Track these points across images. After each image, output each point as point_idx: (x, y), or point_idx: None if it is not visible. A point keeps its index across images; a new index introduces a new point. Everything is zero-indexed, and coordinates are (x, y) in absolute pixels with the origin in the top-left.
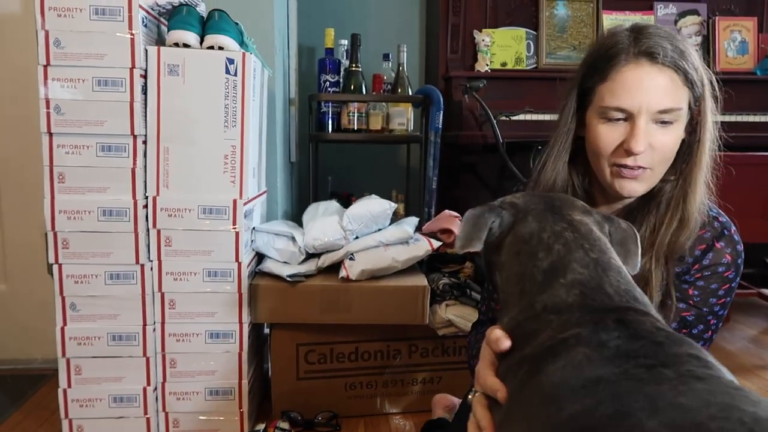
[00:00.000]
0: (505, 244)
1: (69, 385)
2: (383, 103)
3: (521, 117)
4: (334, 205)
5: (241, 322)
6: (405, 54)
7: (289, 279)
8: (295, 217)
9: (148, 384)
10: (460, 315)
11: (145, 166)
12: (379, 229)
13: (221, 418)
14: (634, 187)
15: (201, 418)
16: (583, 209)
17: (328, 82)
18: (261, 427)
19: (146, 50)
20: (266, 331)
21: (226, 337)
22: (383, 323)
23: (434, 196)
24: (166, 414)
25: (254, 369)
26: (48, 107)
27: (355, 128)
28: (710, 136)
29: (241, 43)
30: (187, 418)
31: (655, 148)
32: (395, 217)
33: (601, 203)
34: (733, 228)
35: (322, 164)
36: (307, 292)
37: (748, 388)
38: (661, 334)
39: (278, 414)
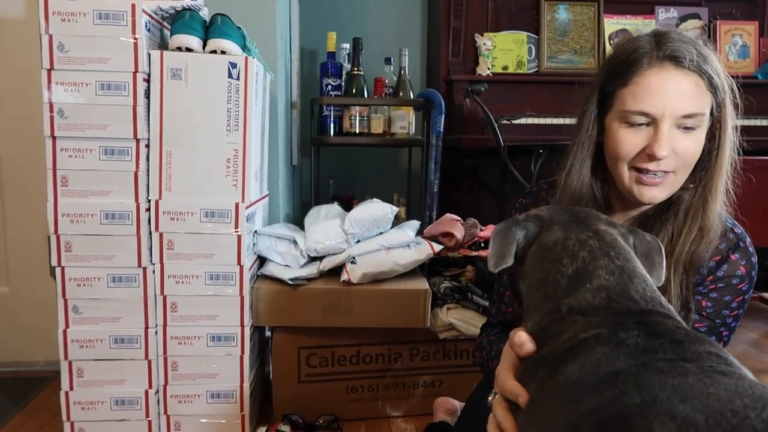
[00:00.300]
0: (529, 254)
1: (71, 388)
2: (385, 107)
3: (522, 120)
4: (335, 208)
5: (242, 325)
6: (406, 57)
7: (290, 282)
8: (297, 220)
9: (150, 387)
10: (461, 318)
11: (148, 170)
12: (381, 233)
13: (223, 421)
14: (655, 194)
15: (202, 421)
16: (608, 222)
17: (330, 86)
18: (262, 430)
19: (149, 54)
20: (268, 334)
21: (228, 340)
22: (385, 326)
23: (435, 199)
24: (168, 417)
25: (256, 372)
26: (51, 111)
27: (357, 132)
28: (730, 143)
29: (244, 47)
30: (188, 421)
31: (677, 153)
32: (397, 221)
33: (618, 210)
34: (748, 240)
35: (323, 168)
36: (308, 295)
37: None
38: (681, 333)
39: (279, 417)
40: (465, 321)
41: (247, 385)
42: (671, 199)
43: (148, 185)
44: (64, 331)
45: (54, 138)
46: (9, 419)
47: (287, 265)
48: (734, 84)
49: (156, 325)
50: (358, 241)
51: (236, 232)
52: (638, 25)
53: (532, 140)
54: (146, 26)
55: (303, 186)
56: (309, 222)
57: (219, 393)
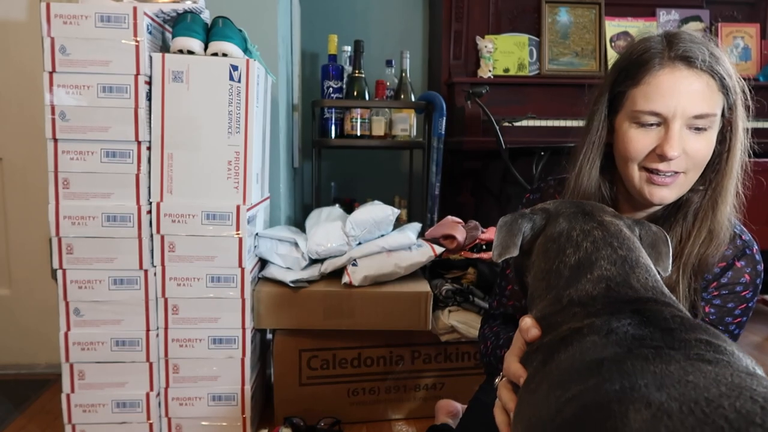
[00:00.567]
0: (535, 246)
1: (72, 390)
2: (386, 109)
3: (524, 123)
4: (337, 210)
5: (243, 328)
6: (408, 60)
7: (292, 285)
8: (299, 223)
9: (151, 389)
10: (463, 321)
11: (149, 172)
12: (382, 235)
13: (224, 423)
14: (665, 195)
15: (203, 423)
16: (614, 214)
17: (331, 88)
18: None
19: (151, 57)
20: (269, 336)
21: (229, 343)
22: (386, 329)
23: (437, 201)
24: (169, 419)
25: (257, 375)
26: (53, 113)
27: (358, 134)
28: (741, 145)
29: (245, 50)
30: (189, 423)
31: (689, 154)
32: (398, 223)
33: (626, 212)
34: (756, 247)
35: (325, 170)
36: (309, 297)
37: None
38: (676, 321)
39: (281, 420)
40: (466, 323)
41: (248, 387)
42: (680, 201)
43: (149, 187)
44: (66, 334)
45: (56, 140)
46: (10, 422)
47: (288, 268)
48: (746, 86)
49: (157, 328)
50: (360, 244)
51: (237, 234)
52: (639, 27)
53: (533, 142)
54: (148, 29)
55: (304, 188)
56: (310, 224)
57: (220, 395)
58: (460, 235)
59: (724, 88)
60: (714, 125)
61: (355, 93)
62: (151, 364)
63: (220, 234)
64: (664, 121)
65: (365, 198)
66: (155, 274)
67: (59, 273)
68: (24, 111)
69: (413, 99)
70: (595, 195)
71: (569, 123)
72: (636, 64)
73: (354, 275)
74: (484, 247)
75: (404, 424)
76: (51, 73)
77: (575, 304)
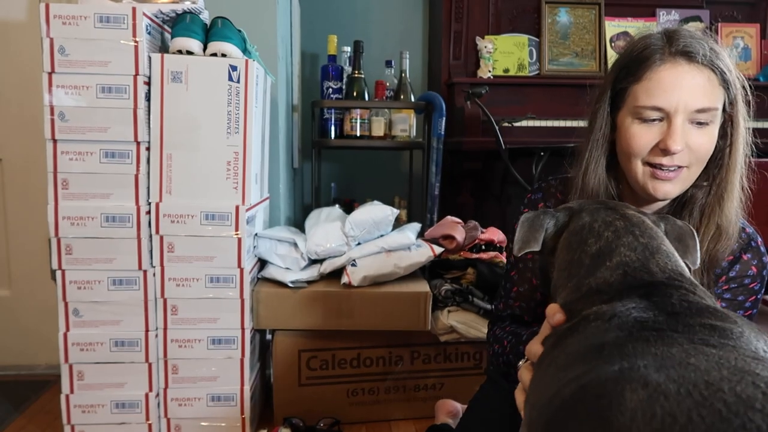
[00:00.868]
0: (559, 242)
1: (71, 391)
2: (386, 110)
3: (523, 123)
4: (336, 211)
5: (243, 328)
6: (407, 60)
7: (291, 285)
8: (299, 223)
9: (150, 390)
10: (462, 321)
11: (149, 173)
12: (382, 235)
13: (223, 424)
14: (668, 189)
15: (203, 424)
16: (637, 209)
17: (330, 89)
18: None
19: (150, 57)
20: (268, 337)
21: (228, 343)
22: (385, 329)
23: (436, 202)
24: (168, 420)
25: (256, 375)
26: (52, 114)
27: (358, 134)
28: (743, 140)
29: (244, 51)
30: (188, 424)
31: (691, 148)
32: (398, 223)
33: None
34: (760, 239)
35: (324, 170)
36: (309, 298)
37: None
38: (683, 306)
39: (280, 420)
40: (466, 323)
41: (247, 388)
42: (685, 198)
43: (148, 188)
44: (65, 334)
45: (55, 141)
46: (10, 422)
47: (288, 268)
48: (746, 82)
49: (156, 328)
50: (359, 244)
51: (236, 234)
52: (639, 27)
53: (533, 143)
54: (147, 29)
55: (304, 189)
56: (309, 225)
57: (219, 396)
58: (460, 235)
59: (725, 83)
60: (716, 120)
61: (355, 93)
62: (150, 365)
63: (219, 234)
64: (666, 116)
65: (365, 198)
66: (154, 274)
67: (58, 273)
68: (24, 111)
69: (413, 99)
70: (602, 193)
71: (569, 123)
72: (637, 60)
73: (353, 275)
74: (483, 247)
75: (403, 424)
76: (50, 74)
77: (594, 292)
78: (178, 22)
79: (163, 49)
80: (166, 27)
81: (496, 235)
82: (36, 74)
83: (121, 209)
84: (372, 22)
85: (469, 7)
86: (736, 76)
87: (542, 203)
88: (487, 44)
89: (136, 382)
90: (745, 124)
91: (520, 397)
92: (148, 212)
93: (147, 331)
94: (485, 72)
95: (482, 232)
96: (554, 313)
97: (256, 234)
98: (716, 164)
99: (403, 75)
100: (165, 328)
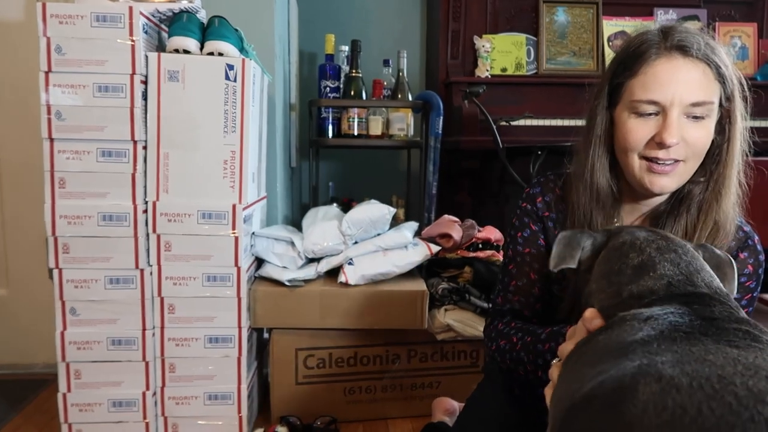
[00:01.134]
0: (597, 261)
1: (68, 390)
2: (383, 109)
3: (521, 122)
4: (333, 210)
5: (240, 327)
6: (405, 60)
7: (288, 284)
8: (296, 222)
9: (147, 388)
10: (459, 320)
11: (145, 172)
12: (379, 234)
13: (220, 422)
14: (665, 183)
15: (200, 422)
16: (677, 237)
17: (328, 88)
18: (260, 431)
19: (147, 56)
20: (265, 335)
21: (225, 342)
22: (382, 328)
23: (434, 201)
24: (165, 419)
25: (253, 374)
26: (49, 113)
27: (356, 133)
28: (740, 135)
29: (241, 50)
30: (186, 422)
31: (688, 142)
32: (395, 222)
33: (628, 203)
34: (756, 237)
35: (322, 169)
36: (306, 296)
37: None
38: (723, 314)
39: (277, 419)
40: (463, 322)
41: (244, 386)
42: (682, 194)
43: (145, 187)
44: (62, 333)
45: (51, 140)
46: (7, 421)
47: (285, 267)
48: (743, 78)
49: (153, 327)
50: (356, 243)
51: (233, 233)
52: (637, 26)
53: (530, 142)
54: (143, 29)
55: (302, 188)
56: (307, 223)
57: (216, 395)
58: (457, 233)
59: (721, 77)
60: (712, 114)
61: (352, 92)
62: (147, 364)
63: (216, 233)
64: (662, 110)
65: (363, 197)
66: (151, 273)
67: (55, 272)
68: (21, 110)
69: (410, 98)
70: (606, 189)
71: (567, 122)
72: (633, 55)
73: (350, 274)
74: (480, 245)
75: (400, 423)
76: (47, 73)
77: (635, 297)
78: (175, 21)
79: (160, 48)
80: (162, 26)
81: (493, 233)
82: (33, 73)
83: (118, 208)
84: (370, 21)
85: (466, 7)
86: (732, 71)
87: (540, 197)
88: (484, 43)
89: (133, 380)
90: (742, 120)
91: (549, 393)
92: (145, 211)
93: (144, 329)
94: (483, 71)
95: (479, 231)
96: (592, 318)
97: (253, 233)
98: (713, 160)
99: (400, 74)
100: (162, 327)
